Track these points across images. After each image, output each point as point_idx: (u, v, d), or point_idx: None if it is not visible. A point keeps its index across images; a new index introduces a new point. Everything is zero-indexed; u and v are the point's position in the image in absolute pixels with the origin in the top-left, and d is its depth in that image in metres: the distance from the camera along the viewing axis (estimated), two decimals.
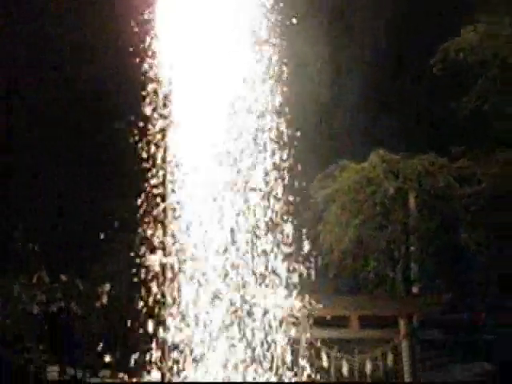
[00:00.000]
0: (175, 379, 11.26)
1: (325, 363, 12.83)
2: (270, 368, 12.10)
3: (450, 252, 16.35)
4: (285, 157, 12.72)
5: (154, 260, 11.83)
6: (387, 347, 12.88)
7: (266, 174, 12.64)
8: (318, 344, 12.61)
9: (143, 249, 12.12)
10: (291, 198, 12.86)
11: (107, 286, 13.97)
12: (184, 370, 11.43)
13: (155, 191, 12.08)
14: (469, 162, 16.32)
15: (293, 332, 12.49)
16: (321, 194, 17.02)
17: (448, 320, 14.78)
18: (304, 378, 12.22)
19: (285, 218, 13.23)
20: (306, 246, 13.34)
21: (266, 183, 12.86)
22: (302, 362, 12.43)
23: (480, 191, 16.01)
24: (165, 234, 12.35)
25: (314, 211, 16.72)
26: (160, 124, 12.00)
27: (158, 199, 12.10)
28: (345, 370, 13.03)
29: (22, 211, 17.86)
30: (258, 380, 11.44)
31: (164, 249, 11.99)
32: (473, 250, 15.85)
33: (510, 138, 15.27)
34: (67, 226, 18.10)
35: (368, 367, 12.85)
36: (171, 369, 11.58)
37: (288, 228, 13.50)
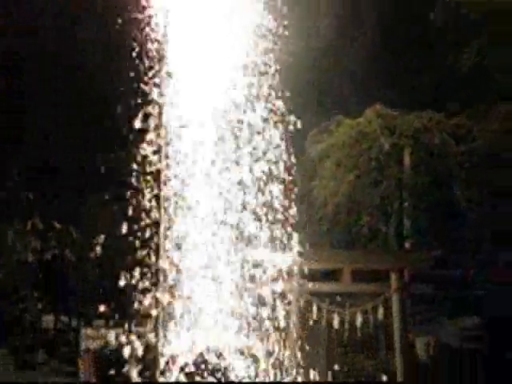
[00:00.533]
0: (169, 328, 11.38)
1: (316, 316, 12.98)
2: (262, 320, 12.26)
3: (443, 209, 16.43)
4: (282, 110, 12.66)
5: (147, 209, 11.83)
6: (378, 301, 13.01)
7: (263, 129, 12.61)
8: (310, 297, 12.73)
9: (136, 200, 12.11)
10: (286, 153, 12.83)
11: (101, 237, 13.98)
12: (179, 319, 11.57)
13: (150, 145, 12.04)
14: (466, 118, 16.27)
15: (286, 285, 12.62)
16: (316, 148, 16.95)
17: (439, 275, 14.94)
18: (296, 331, 12.39)
19: (279, 172, 13.21)
20: (301, 201, 13.38)
21: (261, 137, 12.78)
22: (294, 315, 12.60)
23: (475, 149, 15.99)
24: (159, 186, 12.31)
25: (308, 166, 16.69)
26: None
27: (153, 152, 12.05)
28: (335, 322, 13.21)
29: (15, 158, 17.77)
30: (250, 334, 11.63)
31: (158, 198, 11.97)
32: (464, 206, 15.93)
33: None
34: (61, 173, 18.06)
35: (358, 320, 13.03)
36: (165, 318, 11.72)
37: (283, 182, 13.50)
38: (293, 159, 13.69)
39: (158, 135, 12.42)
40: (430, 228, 16.16)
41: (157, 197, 12.22)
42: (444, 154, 16.54)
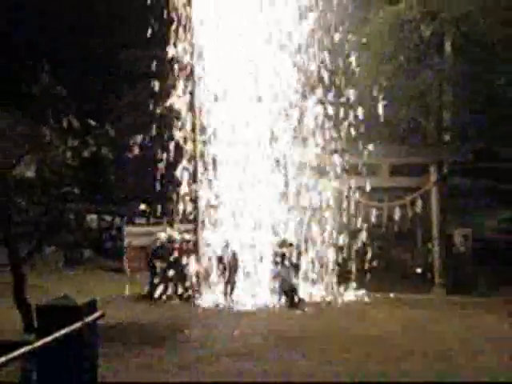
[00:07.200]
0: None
1: (353, 210, 13.07)
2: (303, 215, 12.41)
3: (485, 100, 15.79)
4: None
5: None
6: (417, 194, 12.97)
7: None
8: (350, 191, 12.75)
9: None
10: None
11: (138, 137, 13.94)
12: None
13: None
14: None
15: (323, 181, 12.62)
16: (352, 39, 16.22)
17: (478, 168, 14.68)
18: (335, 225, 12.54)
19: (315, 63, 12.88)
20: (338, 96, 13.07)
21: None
22: (333, 209, 12.70)
23: None
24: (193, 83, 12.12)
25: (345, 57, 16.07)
26: None
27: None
28: (373, 216, 13.28)
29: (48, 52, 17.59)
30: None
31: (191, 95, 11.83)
32: (508, 98, 15.32)
33: None
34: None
35: (397, 214, 13.07)
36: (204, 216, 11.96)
37: (317, 75, 13.17)
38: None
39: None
40: (470, 120, 15.65)
41: (191, 93, 12.07)
42: (488, 42, 15.66)
